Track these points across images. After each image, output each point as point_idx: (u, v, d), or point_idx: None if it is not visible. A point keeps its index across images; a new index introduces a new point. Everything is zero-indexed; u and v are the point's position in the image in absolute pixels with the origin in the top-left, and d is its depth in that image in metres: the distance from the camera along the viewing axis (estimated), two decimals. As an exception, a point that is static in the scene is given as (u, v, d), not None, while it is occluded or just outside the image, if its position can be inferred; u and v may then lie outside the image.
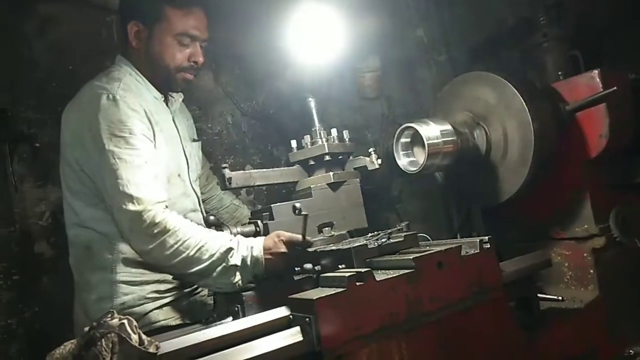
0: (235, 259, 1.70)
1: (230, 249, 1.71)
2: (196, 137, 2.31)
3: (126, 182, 1.73)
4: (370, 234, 1.75)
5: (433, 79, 3.28)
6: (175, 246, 1.70)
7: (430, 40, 3.24)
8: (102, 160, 1.78)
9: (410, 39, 3.28)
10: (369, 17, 2.81)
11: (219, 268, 1.70)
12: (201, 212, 2.15)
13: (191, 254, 1.70)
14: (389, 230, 1.71)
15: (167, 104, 2.10)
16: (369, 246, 1.57)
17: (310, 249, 1.75)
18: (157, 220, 1.70)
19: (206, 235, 1.74)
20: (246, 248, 1.73)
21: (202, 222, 1.96)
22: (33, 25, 2.60)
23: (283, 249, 1.72)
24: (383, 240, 1.61)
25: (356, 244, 1.59)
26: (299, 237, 1.70)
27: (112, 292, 1.87)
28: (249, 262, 1.71)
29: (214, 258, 1.70)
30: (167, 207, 1.78)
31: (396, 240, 1.62)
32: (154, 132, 1.91)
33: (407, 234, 1.66)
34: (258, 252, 1.72)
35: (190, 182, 2.11)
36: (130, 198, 1.72)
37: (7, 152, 2.46)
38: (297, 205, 1.63)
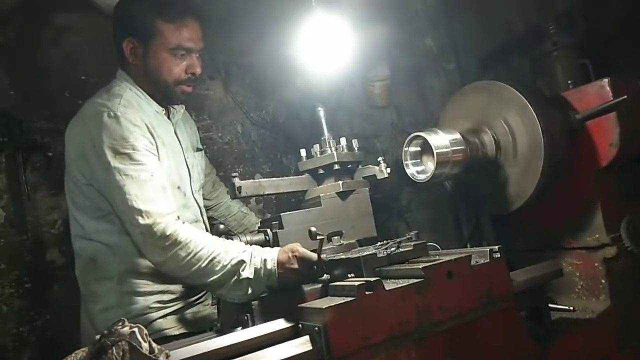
0: (247, 272, 1.69)
1: (242, 262, 1.69)
2: (200, 146, 2.32)
3: (134, 198, 1.75)
4: (379, 243, 1.75)
5: (442, 88, 3.28)
6: (188, 258, 1.70)
7: (439, 49, 3.25)
8: (109, 178, 1.80)
9: (420, 47, 3.29)
10: (378, 26, 2.82)
11: (232, 281, 1.69)
12: (203, 222, 2.16)
13: (203, 265, 1.70)
14: (399, 240, 1.71)
15: (168, 117, 2.11)
16: (379, 255, 1.57)
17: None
18: (167, 233, 1.71)
19: (219, 247, 1.72)
20: (260, 260, 1.71)
21: (205, 232, 1.96)
22: (48, 36, 2.64)
23: (296, 265, 1.70)
24: (392, 249, 1.61)
25: (365, 253, 1.59)
26: (313, 255, 1.66)
27: (117, 302, 1.90)
28: (262, 275, 1.69)
29: (225, 270, 1.69)
30: (178, 217, 1.79)
31: (405, 249, 1.62)
32: (156, 145, 1.93)
33: (416, 243, 1.66)
34: (272, 265, 1.70)
35: (192, 193, 2.12)
36: (140, 212, 1.74)
37: (21, 161, 2.49)
38: (313, 229, 1.60)
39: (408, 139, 1.96)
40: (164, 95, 2.05)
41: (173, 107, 2.14)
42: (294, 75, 2.73)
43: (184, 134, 2.19)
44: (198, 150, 2.28)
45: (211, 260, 1.70)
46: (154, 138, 1.92)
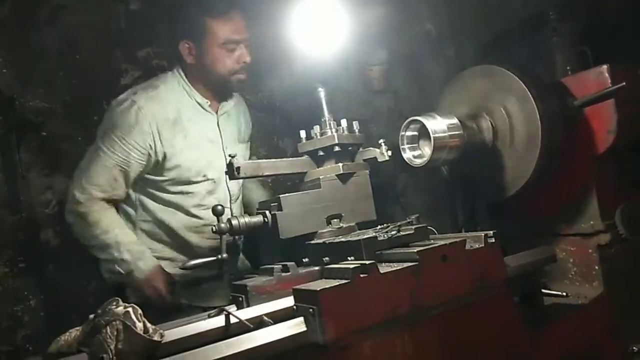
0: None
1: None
2: (247, 139, 2.51)
3: (82, 170, 2.13)
4: (379, 227, 1.74)
5: (441, 73, 3.26)
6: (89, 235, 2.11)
7: (438, 34, 3.23)
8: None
9: (419, 32, 3.27)
10: (376, 10, 2.79)
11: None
12: (230, 209, 2.33)
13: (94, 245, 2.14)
14: (399, 223, 1.70)
15: (217, 109, 2.30)
16: (379, 238, 1.56)
17: (319, 241, 1.76)
18: (81, 210, 2.10)
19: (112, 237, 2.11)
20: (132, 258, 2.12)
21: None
22: (43, 14, 2.61)
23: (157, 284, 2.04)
24: (393, 232, 1.60)
25: (366, 236, 1.58)
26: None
27: None
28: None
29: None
30: (105, 200, 2.13)
31: (407, 233, 1.61)
32: (184, 137, 2.16)
33: (417, 227, 1.64)
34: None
35: (226, 181, 2.27)
36: (79, 182, 2.12)
37: (14, 141, 2.48)
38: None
39: (405, 123, 1.94)
40: (221, 87, 2.26)
41: (225, 101, 2.33)
42: (290, 59, 2.71)
43: (232, 126, 2.37)
44: (246, 142, 2.49)
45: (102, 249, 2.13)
46: (182, 131, 2.15)
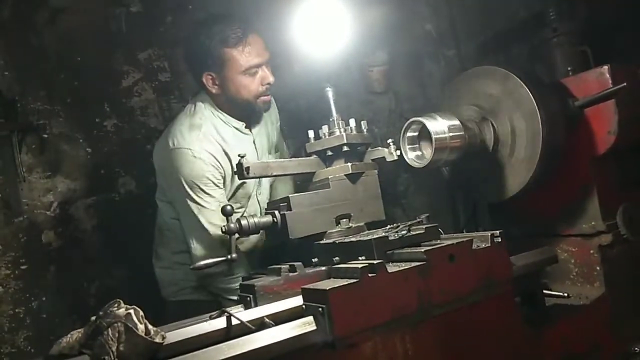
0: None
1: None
2: (275, 140, 2.49)
3: (205, 223, 2.10)
4: (389, 226, 1.74)
5: (441, 74, 3.27)
6: None
7: (439, 34, 3.23)
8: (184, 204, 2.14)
9: (419, 33, 3.27)
10: (377, 11, 2.80)
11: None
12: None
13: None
14: (409, 223, 1.69)
15: (251, 129, 2.31)
16: (390, 238, 1.56)
17: (329, 241, 1.75)
18: None
19: None
20: None
21: None
22: (43, 16, 2.61)
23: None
24: (403, 232, 1.59)
25: (376, 236, 1.58)
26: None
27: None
28: None
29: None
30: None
31: (417, 232, 1.61)
32: (231, 165, 2.16)
33: (428, 226, 1.64)
34: None
35: (256, 195, 2.33)
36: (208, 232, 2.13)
37: (16, 143, 2.48)
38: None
39: (406, 124, 1.94)
40: (247, 112, 2.26)
41: (255, 118, 2.32)
42: (291, 60, 2.71)
43: (263, 138, 2.38)
44: (274, 150, 2.49)
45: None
46: (230, 161, 2.17)
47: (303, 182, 2.17)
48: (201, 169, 2.09)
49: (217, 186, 2.14)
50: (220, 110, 2.23)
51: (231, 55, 2.12)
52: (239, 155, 1.83)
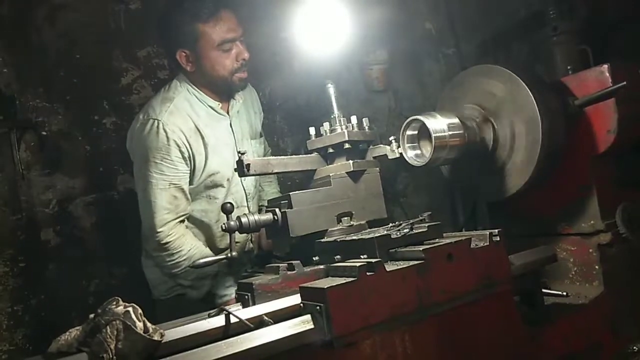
0: None
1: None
2: (259, 130, 2.47)
3: (152, 202, 2.10)
4: (391, 224, 1.73)
5: (441, 73, 3.26)
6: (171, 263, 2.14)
7: (438, 33, 3.22)
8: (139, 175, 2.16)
9: (419, 31, 3.26)
10: (377, 9, 2.79)
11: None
12: (247, 207, 2.35)
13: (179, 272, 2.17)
14: (412, 221, 1.68)
15: (228, 110, 2.29)
16: (392, 236, 1.55)
17: (330, 239, 1.75)
18: (163, 241, 2.11)
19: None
20: None
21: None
22: (43, 13, 2.61)
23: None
24: (406, 230, 1.58)
25: (378, 234, 1.57)
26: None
27: None
28: None
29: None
30: (182, 220, 2.15)
31: (419, 230, 1.60)
32: (204, 144, 2.16)
33: (430, 224, 1.63)
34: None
35: (241, 181, 2.29)
36: (152, 216, 2.10)
37: (15, 140, 2.48)
38: None
39: (406, 122, 1.94)
40: (224, 89, 2.24)
41: (233, 99, 2.30)
42: (290, 58, 2.71)
43: (243, 122, 2.35)
44: (259, 136, 2.45)
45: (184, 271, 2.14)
46: (202, 138, 2.15)
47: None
48: (162, 142, 2.08)
49: (173, 165, 2.10)
50: (196, 88, 2.21)
51: (204, 30, 2.10)
52: (238, 152, 1.81)
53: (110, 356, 1.19)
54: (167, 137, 2.08)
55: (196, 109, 2.19)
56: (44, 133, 2.60)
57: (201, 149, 2.16)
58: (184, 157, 2.12)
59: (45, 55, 2.64)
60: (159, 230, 2.10)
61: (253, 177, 2.36)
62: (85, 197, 2.77)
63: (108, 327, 1.22)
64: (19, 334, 2.44)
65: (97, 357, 1.20)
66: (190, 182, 2.19)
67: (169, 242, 2.11)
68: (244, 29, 2.18)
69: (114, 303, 1.27)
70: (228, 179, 2.25)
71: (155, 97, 2.21)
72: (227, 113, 2.28)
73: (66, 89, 2.70)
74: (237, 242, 2.32)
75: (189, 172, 2.16)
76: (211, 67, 2.15)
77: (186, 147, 2.12)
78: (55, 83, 2.65)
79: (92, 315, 1.28)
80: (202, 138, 2.15)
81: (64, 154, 2.69)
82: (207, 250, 2.22)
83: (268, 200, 2.05)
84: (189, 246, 2.15)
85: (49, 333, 1.49)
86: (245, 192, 2.33)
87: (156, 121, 2.09)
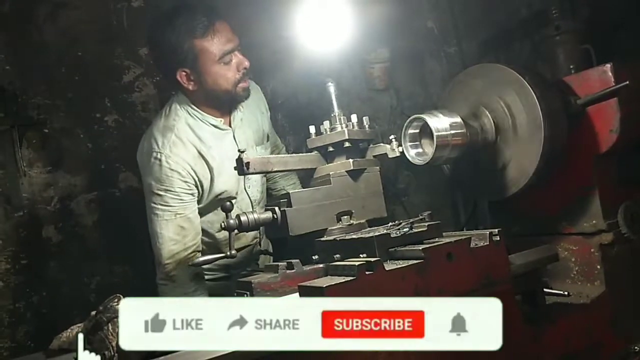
0: None
1: None
2: (267, 131, 2.41)
3: (158, 234, 2.08)
4: (391, 223, 1.72)
5: (442, 71, 3.26)
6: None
7: (440, 31, 3.22)
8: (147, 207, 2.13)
9: (421, 30, 3.26)
10: (379, 7, 2.79)
11: None
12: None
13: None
14: (411, 220, 1.68)
15: (230, 122, 2.23)
16: (392, 235, 1.55)
17: (330, 238, 1.75)
18: (171, 274, 2.08)
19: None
20: None
21: None
22: (45, 10, 2.61)
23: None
24: (405, 229, 1.58)
25: (378, 233, 1.57)
26: None
27: None
28: None
29: None
30: (192, 253, 2.10)
31: (419, 230, 1.59)
32: (209, 167, 2.12)
33: (430, 224, 1.62)
34: None
35: (245, 189, 2.27)
36: (160, 248, 2.08)
37: (17, 137, 2.48)
38: None
39: (408, 121, 1.94)
40: (228, 102, 2.18)
41: (235, 110, 2.24)
42: (292, 57, 2.70)
43: (247, 130, 2.29)
44: (265, 140, 2.39)
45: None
46: (207, 163, 2.12)
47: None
48: (165, 174, 2.05)
49: (177, 196, 2.08)
50: (197, 109, 2.15)
51: (202, 46, 2.03)
52: (238, 151, 1.81)
53: (112, 353, 1.20)
54: (171, 169, 2.05)
55: (199, 133, 2.14)
56: (46, 130, 2.60)
57: (207, 174, 2.13)
58: (189, 187, 2.10)
59: (47, 52, 2.64)
60: (166, 262, 2.08)
61: (259, 183, 2.35)
62: (86, 195, 2.77)
63: (110, 325, 1.23)
64: (21, 331, 2.45)
65: (98, 354, 1.21)
66: (199, 202, 2.17)
67: (174, 275, 2.09)
68: (239, 36, 2.13)
69: (116, 300, 1.27)
70: (236, 193, 2.23)
71: (157, 124, 2.15)
72: (230, 126, 2.24)
73: (68, 86, 2.70)
74: (247, 246, 2.34)
75: (195, 199, 2.14)
76: (214, 82, 2.09)
77: (191, 176, 2.10)
78: (57, 80, 2.65)
79: (93, 313, 1.28)
80: (207, 163, 2.12)
81: (65, 151, 2.69)
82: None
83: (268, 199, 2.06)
84: (189, 279, 2.11)
85: (50, 330, 1.50)
86: (250, 199, 2.30)
87: (159, 154, 2.06)
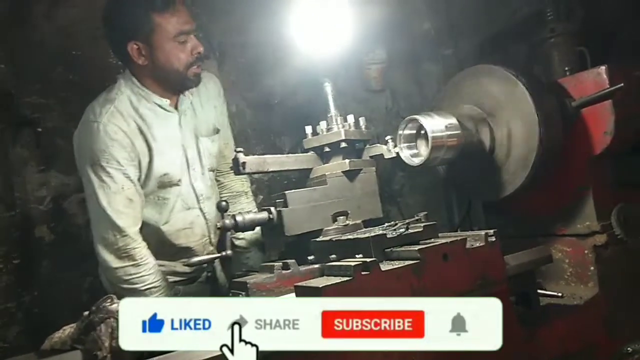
0: None
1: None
2: (218, 127, 2.32)
3: (105, 207, 1.98)
4: (387, 224, 1.73)
5: (439, 73, 3.26)
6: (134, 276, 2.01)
7: (437, 33, 3.22)
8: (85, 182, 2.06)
9: (418, 31, 3.26)
10: (376, 8, 2.79)
11: None
12: (200, 209, 2.22)
13: (141, 288, 2.01)
14: (407, 221, 1.68)
15: (176, 106, 2.17)
16: (388, 236, 1.55)
17: (326, 238, 1.74)
18: (127, 247, 2.00)
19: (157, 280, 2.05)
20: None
21: (196, 219, 2.20)
22: (40, 9, 2.59)
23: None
24: (401, 230, 1.58)
25: (374, 234, 1.57)
26: None
27: None
28: None
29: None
30: (140, 229, 2.04)
31: (415, 230, 1.60)
32: (148, 145, 2.05)
33: (426, 224, 1.63)
34: None
35: (191, 181, 2.18)
36: (109, 223, 1.98)
37: (10, 136, 2.47)
38: None
39: (403, 121, 1.94)
40: (177, 84, 2.13)
41: (183, 95, 2.19)
42: (288, 56, 2.70)
43: (196, 118, 2.22)
44: (214, 133, 2.30)
45: (149, 289, 2.02)
46: (146, 140, 2.04)
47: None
48: (106, 145, 1.97)
49: (120, 166, 1.99)
50: (142, 86, 2.09)
51: (159, 21, 2.00)
52: (235, 150, 1.80)
53: (105, 354, 1.19)
54: (111, 139, 1.98)
55: (141, 110, 2.07)
56: (39, 130, 2.58)
57: (145, 152, 2.05)
58: (131, 158, 2.02)
59: (42, 51, 2.62)
60: (124, 233, 1.98)
61: (207, 178, 2.26)
62: (79, 194, 2.74)
63: (102, 325, 1.22)
64: (13, 331, 2.43)
65: (91, 355, 1.20)
66: (142, 187, 2.09)
67: (136, 248, 2.00)
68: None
69: (109, 301, 1.27)
70: (179, 180, 2.14)
71: (97, 99, 2.08)
72: (176, 109, 2.17)
73: (62, 85, 2.69)
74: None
75: (138, 174, 2.06)
76: (166, 59, 2.04)
77: (131, 148, 2.02)
78: (52, 79, 2.64)
79: (86, 313, 1.28)
80: (146, 141, 2.05)
81: (59, 150, 2.67)
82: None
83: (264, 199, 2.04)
84: (153, 260, 2.05)
85: (43, 331, 1.49)
86: (196, 193, 2.20)
87: (96, 123, 1.98)
